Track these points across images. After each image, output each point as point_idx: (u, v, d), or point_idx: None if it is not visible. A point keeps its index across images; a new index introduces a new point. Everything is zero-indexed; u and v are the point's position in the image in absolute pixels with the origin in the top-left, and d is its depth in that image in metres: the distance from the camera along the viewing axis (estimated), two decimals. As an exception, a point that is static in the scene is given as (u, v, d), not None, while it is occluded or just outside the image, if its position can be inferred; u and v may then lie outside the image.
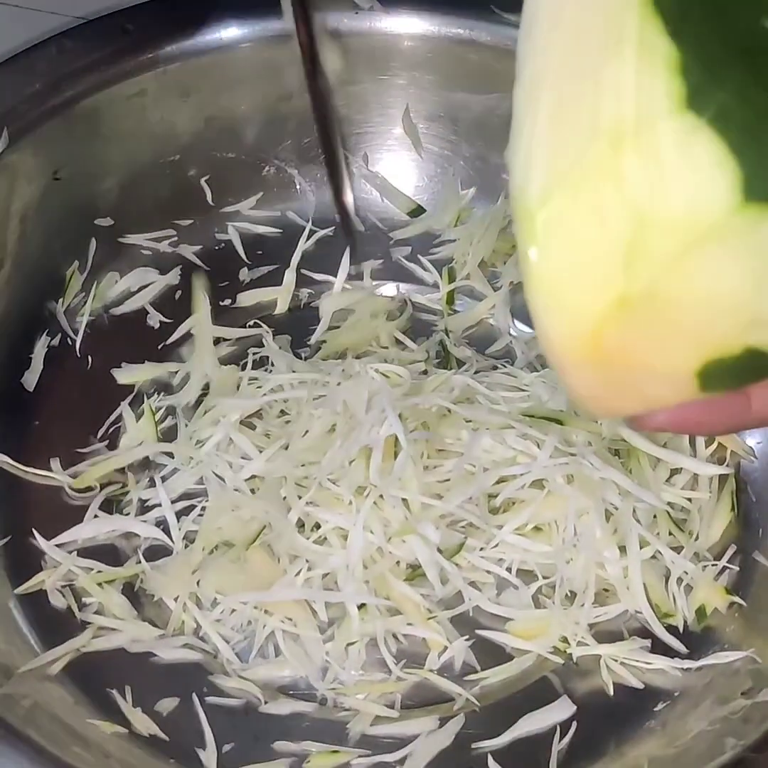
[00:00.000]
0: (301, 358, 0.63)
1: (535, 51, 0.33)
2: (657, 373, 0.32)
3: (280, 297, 0.66)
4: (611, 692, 0.52)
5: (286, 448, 0.57)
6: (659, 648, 0.53)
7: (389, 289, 0.67)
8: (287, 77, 0.64)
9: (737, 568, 0.55)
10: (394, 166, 0.68)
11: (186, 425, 0.59)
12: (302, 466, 0.56)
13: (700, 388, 0.32)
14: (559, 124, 0.31)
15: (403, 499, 0.54)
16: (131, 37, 0.62)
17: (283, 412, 0.59)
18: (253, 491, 0.56)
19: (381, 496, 0.54)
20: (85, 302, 0.63)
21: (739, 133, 0.29)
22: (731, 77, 0.30)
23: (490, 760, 0.49)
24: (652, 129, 0.30)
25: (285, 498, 0.55)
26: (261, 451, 0.57)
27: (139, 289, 0.64)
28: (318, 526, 0.55)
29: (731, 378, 0.32)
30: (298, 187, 0.68)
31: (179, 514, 0.57)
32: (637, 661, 0.53)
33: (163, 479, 0.58)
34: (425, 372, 0.61)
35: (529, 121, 0.32)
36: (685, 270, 0.30)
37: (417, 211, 0.69)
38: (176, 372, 0.62)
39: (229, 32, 0.63)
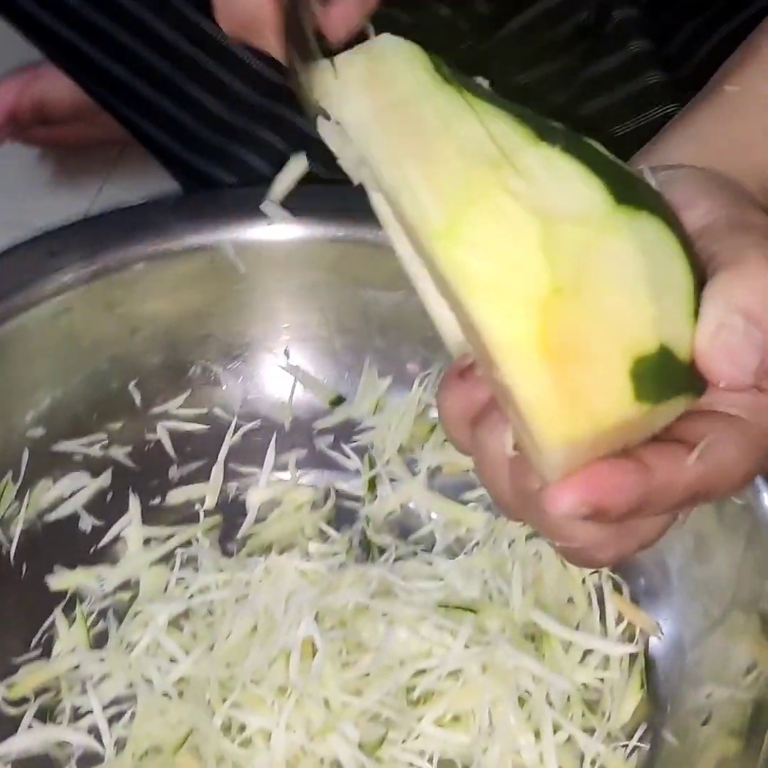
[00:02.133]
0: (230, 553, 0.66)
1: (382, 155, 0.36)
2: (599, 372, 0.33)
3: (209, 492, 0.69)
4: None
5: (212, 648, 0.60)
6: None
7: (314, 477, 0.70)
8: (208, 283, 0.68)
9: (647, 747, 0.58)
10: (315, 359, 0.72)
11: (117, 629, 0.62)
12: (227, 666, 0.59)
13: (635, 395, 0.33)
14: (433, 172, 0.35)
15: (324, 698, 0.56)
16: (57, 259, 0.65)
17: (209, 613, 0.62)
18: (181, 694, 0.59)
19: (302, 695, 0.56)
20: (19, 511, 0.65)
21: (586, 159, 0.35)
22: (553, 130, 0.36)
23: None
24: (519, 155, 0.34)
25: (209, 701, 0.57)
26: (188, 653, 0.60)
27: (72, 494, 0.67)
28: (243, 728, 0.57)
29: (657, 382, 0.34)
30: (223, 384, 0.71)
31: (111, 720, 0.59)
32: None
33: (96, 684, 0.60)
34: (342, 565, 0.63)
35: (404, 185, 0.35)
36: (598, 258, 0.33)
37: (338, 401, 0.72)
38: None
39: (151, 247, 0.67)
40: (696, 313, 0.34)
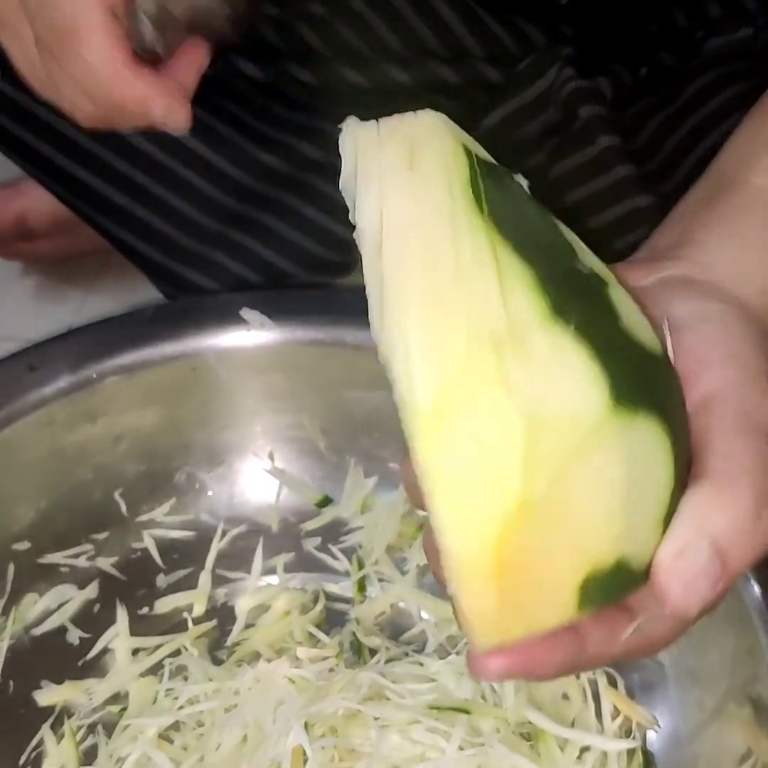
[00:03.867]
0: (219, 661, 0.65)
1: (393, 283, 0.34)
2: (546, 587, 0.33)
3: (197, 600, 0.68)
4: None
5: (202, 760, 0.59)
6: None
7: (302, 580, 0.70)
8: (190, 390, 0.69)
9: None
10: (299, 461, 0.72)
11: (106, 744, 0.61)
12: (218, 779, 0.58)
13: (578, 606, 0.33)
14: (435, 335, 0.32)
15: (317, 807, 0.55)
16: (38, 373, 0.66)
17: (199, 724, 0.61)
18: (172, 809, 0.58)
19: (295, 805, 0.55)
20: (6, 627, 0.65)
21: (598, 341, 0.33)
22: (578, 298, 0.34)
23: None
24: (527, 336, 0.32)
25: (201, 816, 0.56)
26: (178, 767, 0.59)
27: (59, 607, 0.67)
28: (235, 843, 0.56)
29: (603, 593, 0.34)
30: (208, 490, 0.71)
31: (101, 839, 0.58)
32: None
33: (85, 802, 0.59)
34: (332, 670, 0.62)
35: (402, 336, 0.33)
36: (575, 472, 0.32)
37: (324, 501, 0.72)
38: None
39: (132, 357, 0.67)
40: (667, 518, 0.33)
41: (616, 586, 0.34)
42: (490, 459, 0.31)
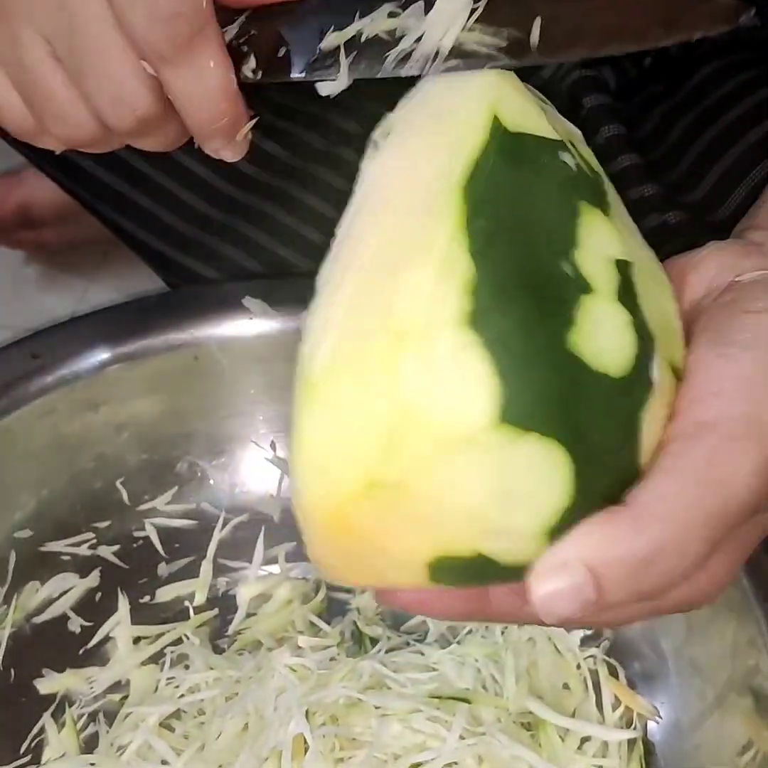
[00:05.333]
0: (221, 650, 0.65)
1: (353, 233, 0.35)
2: (393, 556, 0.34)
3: (198, 589, 0.68)
4: None
5: (203, 748, 0.59)
6: None
7: (304, 569, 0.69)
8: (191, 379, 0.69)
9: (650, 837, 0.57)
10: (302, 451, 0.72)
11: (107, 732, 0.61)
12: (219, 767, 0.58)
13: (429, 578, 0.35)
14: (355, 311, 0.34)
15: (317, 796, 0.55)
16: (40, 361, 0.66)
17: (200, 712, 0.61)
18: (173, 797, 0.58)
19: (295, 794, 0.55)
20: (7, 615, 0.65)
21: (509, 359, 0.32)
22: (518, 307, 0.33)
23: None
24: (434, 337, 0.32)
25: (201, 804, 0.56)
26: (179, 755, 0.59)
27: (60, 595, 0.66)
28: (236, 830, 0.56)
29: (459, 576, 0.35)
30: (210, 479, 0.71)
31: (102, 827, 0.58)
32: None
33: (86, 790, 0.59)
34: (334, 659, 0.62)
35: (330, 298, 0.34)
36: (434, 472, 0.33)
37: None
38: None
39: (134, 346, 0.67)
40: (554, 532, 0.33)
41: (477, 575, 0.35)
42: (353, 436, 0.33)
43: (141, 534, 0.70)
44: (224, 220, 0.75)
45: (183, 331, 0.67)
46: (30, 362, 0.66)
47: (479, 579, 0.35)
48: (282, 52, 0.42)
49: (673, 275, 0.39)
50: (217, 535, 0.69)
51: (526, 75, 0.76)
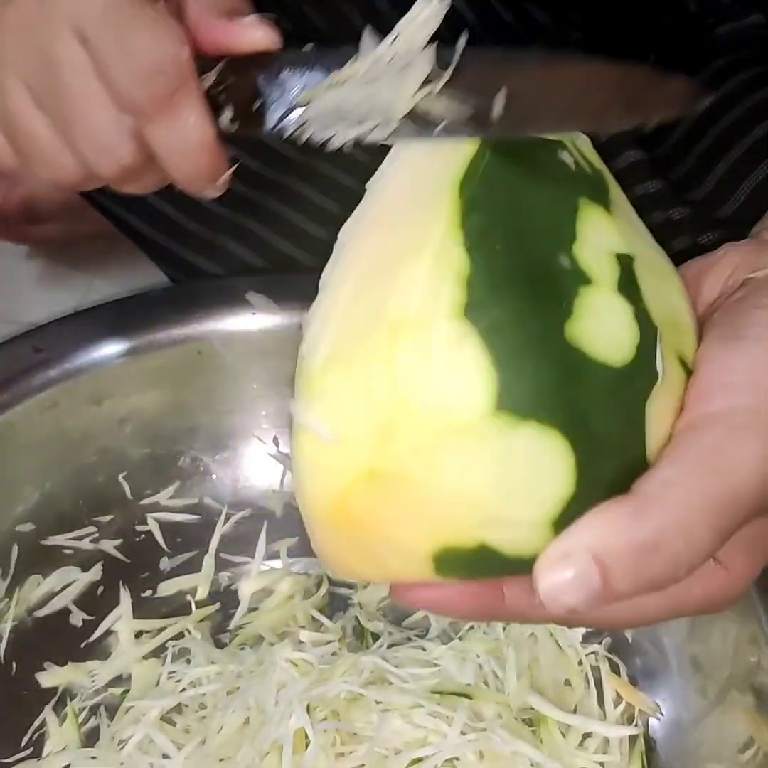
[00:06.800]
0: (222, 644, 0.65)
1: (355, 237, 0.36)
2: (397, 548, 0.34)
3: (200, 583, 0.68)
4: None
5: (204, 742, 0.59)
6: None
7: (306, 564, 0.69)
8: (195, 374, 0.69)
9: (651, 833, 0.57)
10: (304, 446, 0.72)
11: (108, 725, 0.61)
12: (220, 761, 0.58)
13: (435, 571, 0.34)
14: (353, 307, 0.35)
15: (318, 790, 0.55)
16: (43, 355, 0.66)
17: (201, 706, 0.61)
18: (173, 791, 0.58)
19: (296, 788, 0.55)
20: (9, 608, 0.65)
21: (504, 349, 0.33)
22: (512, 299, 0.33)
23: None
24: (429, 328, 0.33)
25: (202, 798, 0.56)
26: (180, 749, 0.59)
27: (62, 589, 0.67)
28: (237, 824, 0.56)
29: (464, 568, 0.35)
30: (213, 474, 0.71)
31: (103, 821, 0.58)
32: None
33: (88, 783, 0.59)
34: (335, 653, 0.62)
35: (331, 297, 0.35)
36: (432, 460, 0.33)
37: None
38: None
39: (137, 340, 0.67)
40: (560, 522, 0.33)
41: (482, 567, 0.34)
42: (351, 426, 0.34)
43: (143, 528, 0.70)
44: (228, 215, 0.75)
45: (186, 326, 0.67)
46: (33, 356, 0.66)
47: (485, 572, 0.35)
48: (257, 104, 0.42)
49: (690, 277, 0.39)
50: (220, 530, 0.69)
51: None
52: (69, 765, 0.60)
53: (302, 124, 0.39)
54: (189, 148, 0.44)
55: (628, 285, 0.35)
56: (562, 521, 0.33)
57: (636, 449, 0.34)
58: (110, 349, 0.67)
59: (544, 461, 0.33)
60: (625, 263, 0.35)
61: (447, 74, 0.35)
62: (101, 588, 0.67)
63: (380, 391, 0.33)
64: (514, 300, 0.33)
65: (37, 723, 0.62)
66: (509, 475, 0.33)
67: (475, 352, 0.33)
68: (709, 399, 0.35)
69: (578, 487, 0.33)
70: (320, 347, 0.35)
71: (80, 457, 0.68)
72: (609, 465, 0.34)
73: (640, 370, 0.34)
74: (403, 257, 0.34)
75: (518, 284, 0.34)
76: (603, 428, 0.33)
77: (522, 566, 0.33)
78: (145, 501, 0.70)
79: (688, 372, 0.36)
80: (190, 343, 0.68)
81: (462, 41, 0.35)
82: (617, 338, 0.34)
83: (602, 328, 0.34)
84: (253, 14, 0.44)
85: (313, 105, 0.38)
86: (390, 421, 0.33)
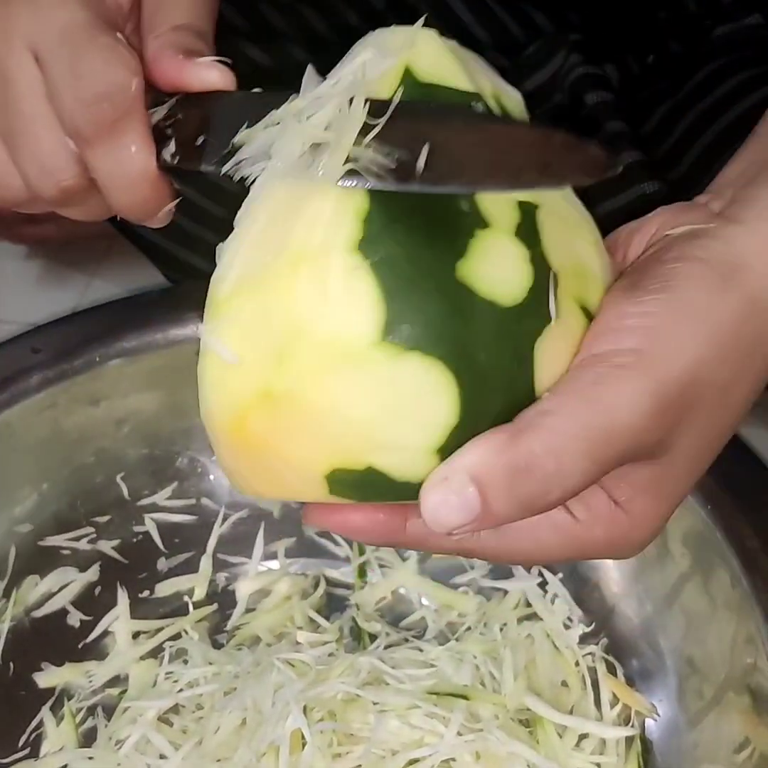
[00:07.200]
0: (219, 645, 0.65)
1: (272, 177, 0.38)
2: (292, 467, 0.36)
3: (198, 584, 0.68)
4: None
5: (201, 743, 0.59)
6: None
7: (303, 565, 0.70)
8: (192, 374, 0.69)
9: (647, 833, 0.57)
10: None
11: (106, 726, 0.61)
12: (217, 762, 0.58)
13: (329, 491, 0.36)
14: (262, 238, 0.37)
15: (315, 791, 0.55)
16: (40, 355, 0.66)
17: (199, 707, 0.61)
18: (170, 791, 0.58)
19: (293, 789, 0.55)
20: (6, 609, 0.65)
21: (394, 282, 0.35)
22: (405, 236, 0.35)
23: None
24: (326, 260, 0.35)
25: (199, 798, 0.56)
26: (177, 749, 0.59)
27: (59, 589, 0.67)
28: (233, 825, 0.56)
29: (355, 490, 0.37)
30: (210, 474, 0.71)
31: (100, 820, 0.58)
32: None
33: (85, 784, 0.59)
34: (332, 654, 0.62)
35: (243, 230, 0.38)
36: (323, 384, 0.35)
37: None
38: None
39: (135, 340, 0.67)
40: (444, 450, 0.35)
41: (372, 490, 0.36)
42: (251, 349, 0.36)
43: (141, 529, 0.70)
44: (227, 216, 0.75)
45: (184, 327, 0.67)
46: (31, 357, 0.66)
47: (375, 495, 0.37)
48: (199, 141, 0.42)
49: (624, 238, 0.41)
50: (217, 531, 0.70)
51: (526, 72, 0.76)
52: (66, 765, 0.60)
53: (238, 163, 0.39)
54: (129, 177, 0.44)
55: (528, 231, 0.37)
56: (448, 449, 0.35)
57: (523, 385, 0.36)
58: (108, 349, 0.67)
59: (427, 391, 0.35)
60: (528, 210, 0.37)
61: (379, 126, 0.36)
62: (99, 588, 0.67)
63: (278, 317, 0.35)
64: (408, 237, 0.35)
65: (34, 723, 0.62)
66: (394, 403, 0.35)
67: (365, 284, 0.35)
68: (599, 340, 0.36)
69: (462, 417, 0.35)
70: (228, 275, 0.37)
71: (78, 458, 0.68)
72: (495, 398, 0.35)
73: (531, 311, 0.36)
74: (310, 196, 0.36)
75: (414, 223, 0.36)
76: (488, 363, 0.35)
77: (411, 492, 0.35)
78: (143, 501, 0.70)
79: (591, 319, 0.37)
80: (188, 344, 0.67)
81: (396, 97, 0.36)
82: (508, 279, 0.36)
83: (494, 268, 0.36)
84: (209, 56, 0.44)
85: (250, 145, 0.39)
86: (286, 346, 0.35)
